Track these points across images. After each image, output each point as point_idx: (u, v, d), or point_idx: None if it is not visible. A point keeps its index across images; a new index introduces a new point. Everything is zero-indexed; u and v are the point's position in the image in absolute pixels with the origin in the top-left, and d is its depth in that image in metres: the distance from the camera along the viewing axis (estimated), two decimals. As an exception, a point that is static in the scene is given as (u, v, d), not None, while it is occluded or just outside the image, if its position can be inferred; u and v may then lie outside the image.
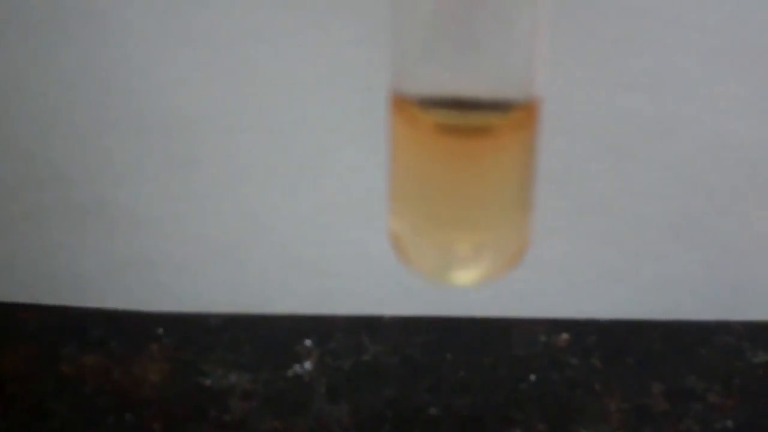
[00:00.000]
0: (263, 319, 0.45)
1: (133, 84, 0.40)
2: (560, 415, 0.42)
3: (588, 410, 0.42)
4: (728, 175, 0.42)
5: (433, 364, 0.43)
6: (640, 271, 0.45)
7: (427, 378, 0.43)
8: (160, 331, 0.45)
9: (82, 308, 0.46)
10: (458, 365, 0.44)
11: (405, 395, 0.42)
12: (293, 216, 0.44)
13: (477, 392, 0.42)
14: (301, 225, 0.44)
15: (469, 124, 0.22)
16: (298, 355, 0.44)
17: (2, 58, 0.40)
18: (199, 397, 0.42)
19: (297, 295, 0.46)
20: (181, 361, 0.44)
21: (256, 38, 0.39)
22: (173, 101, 0.41)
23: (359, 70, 0.39)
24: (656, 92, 0.40)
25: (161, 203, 0.43)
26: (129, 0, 0.38)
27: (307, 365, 0.44)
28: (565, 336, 0.45)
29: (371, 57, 0.38)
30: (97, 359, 0.44)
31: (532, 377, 0.43)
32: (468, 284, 0.23)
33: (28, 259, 0.45)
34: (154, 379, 0.43)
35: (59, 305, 0.46)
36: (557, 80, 0.39)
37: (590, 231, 0.44)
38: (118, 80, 0.40)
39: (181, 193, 0.43)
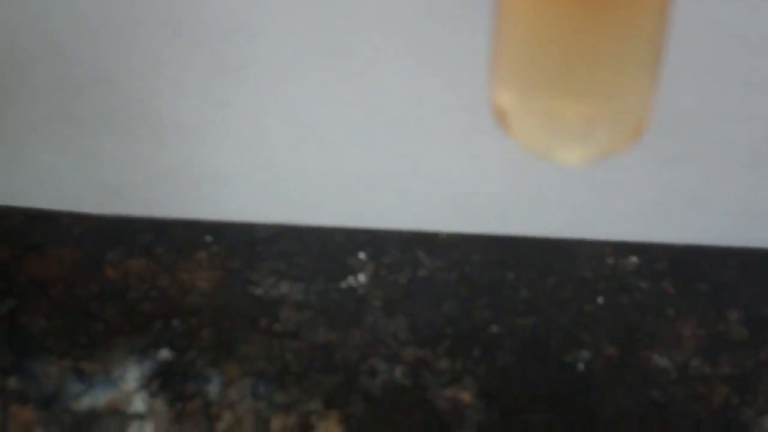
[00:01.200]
0: (314, 231, 0.44)
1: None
2: (630, 338, 0.39)
3: (660, 335, 0.40)
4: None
5: (494, 283, 0.41)
6: (717, 195, 0.43)
7: (487, 296, 0.41)
8: (209, 238, 0.43)
9: (128, 216, 0.44)
10: (520, 285, 0.41)
11: (465, 312, 0.40)
12: (346, 126, 0.42)
13: (541, 312, 0.40)
14: (354, 136, 0.42)
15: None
16: (351, 267, 0.42)
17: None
18: (249, 306, 0.40)
19: (349, 208, 0.44)
20: (230, 269, 0.42)
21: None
22: (220, 6, 0.39)
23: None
24: (741, 2, 0.37)
25: (207, 110, 0.42)
26: None
27: (362, 278, 0.42)
28: (633, 259, 0.43)
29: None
30: (143, 264, 0.42)
31: (599, 299, 0.41)
32: (578, 161, 0.21)
33: (67, 167, 0.44)
34: (203, 287, 0.41)
35: (104, 214, 0.44)
36: None
37: (664, 151, 0.42)
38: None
39: (228, 99, 0.41)
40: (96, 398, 0.39)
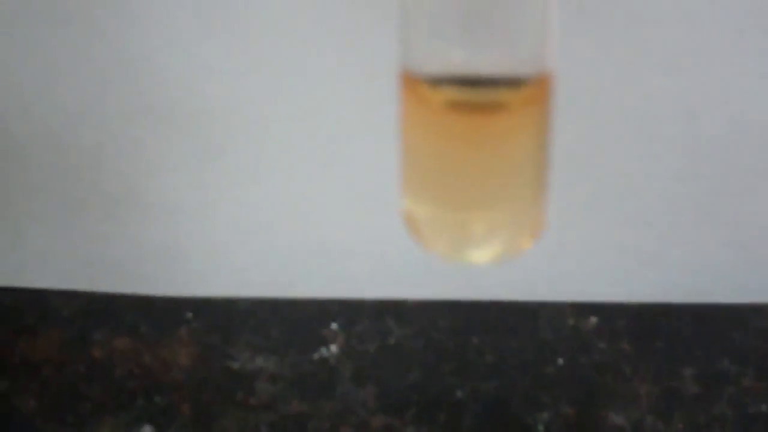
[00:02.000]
0: (290, 303, 0.45)
1: (161, 74, 0.40)
2: (588, 399, 0.41)
3: (617, 394, 0.41)
4: (757, 153, 0.41)
5: (459, 348, 0.43)
6: (670, 253, 0.45)
7: (452, 361, 0.43)
8: (189, 315, 0.45)
9: (114, 294, 0.46)
10: (484, 349, 0.43)
11: (430, 379, 0.42)
12: (319, 201, 0.44)
13: (503, 376, 0.42)
14: (327, 210, 0.44)
15: (480, 100, 0.22)
16: (324, 338, 0.44)
17: (34, 52, 0.40)
18: (226, 380, 0.42)
19: (323, 280, 0.46)
20: (209, 344, 0.44)
21: (281, 26, 0.39)
22: (201, 91, 0.41)
23: (382, 54, 0.39)
24: (682, 72, 0.39)
25: (190, 191, 0.44)
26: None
27: (333, 348, 0.44)
28: (593, 320, 0.44)
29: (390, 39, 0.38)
30: (128, 343, 0.44)
31: (560, 361, 0.43)
32: (484, 263, 0.23)
33: (62, 248, 0.46)
34: (183, 363, 0.43)
35: (92, 291, 0.46)
36: (584, 60, 0.39)
37: (618, 213, 0.44)
38: (147, 70, 0.40)
39: (209, 180, 0.43)
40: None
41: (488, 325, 0.44)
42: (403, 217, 0.24)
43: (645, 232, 0.44)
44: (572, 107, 0.40)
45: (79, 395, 0.42)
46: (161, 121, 0.42)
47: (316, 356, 0.43)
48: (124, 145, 0.42)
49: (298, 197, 0.44)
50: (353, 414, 0.41)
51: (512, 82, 0.22)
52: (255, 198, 0.44)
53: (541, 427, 0.40)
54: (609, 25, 0.38)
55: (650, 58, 0.39)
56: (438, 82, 0.22)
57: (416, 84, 0.22)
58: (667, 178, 0.42)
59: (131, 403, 0.41)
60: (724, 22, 0.37)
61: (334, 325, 0.44)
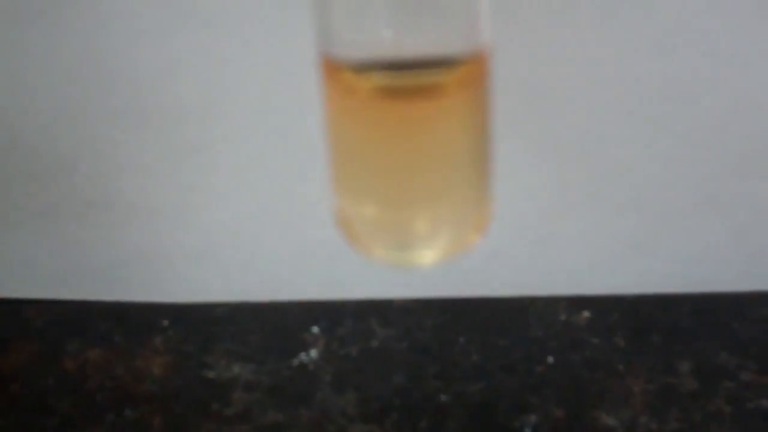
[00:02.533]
0: (271, 307, 0.44)
1: (134, 73, 0.39)
2: (579, 399, 0.39)
3: (609, 393, 0.39)
4: (755, 136, 0.40)
5: (444, 349, 0.41)
6: (666, 241, 0.43)
7: (437, 364, 0.41)
8: (165, 323, 0.44)
9: (88, 302, 0.45)
10: (471, 349, 0.41)
11: (414, 382, 0.40)
12: (299, 201, 0.42)
13: (490, 377, 0.40)
14: (308, 210, 0.43)
15: (410, 84, 0.20)
16: (304, 343, 0.42)
17: (3, 54, 0.39)
18: (201, 391, 0.41)
19: (305, 281, 0.45)
20: (184, 353, 0.42)
21: (255, 18, 0.37)
22: (174, 90, 0.40)
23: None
24: (676, 54, 0.37)
25: (166, 193, 0.42)
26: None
27: (313, 353, 0.42)
28: (586, 314, 0.42)
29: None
30: (101, 354, 0.43)
31: (550, 359, 0.41)
32: (427, 265, 0.21)
33: (37, 255, 0.45)
34: (157, 373, 0.42)
35: (65, 299, 0.45)
36: (572, 45, 0.37)
37: (611, 201, 0.42)
38: (119, 70, 0.39)
39: (186, 181, 0.42)
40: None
41: (476, 324, 0.42)
42: (336, 219, 0.22)
43: (639, 220, 0.42)
44: (564, 94, 0.38)
45: (47, 409, 0.41)
46: (135, 121, 0.40)
47: (295, 362, 0.42)
48: (98, 147, 0.41)
49: (278, 196, 0.42)
50: (332, 422, 0.39)
51: (445, 63, 0.20)
52: (234, 198, 0.43)
53: (528, 431, 0.38)
54: (601, 9, 0.36)
55: (643, 41, 0.37)
56: (364, 68, 0.20)
57: (340, 71, 0.20)
58: (661, 164, 0.41)
59: (101, 417, 0.40)
60: (718, 2, 0.35)
61: (315, 329, 0.43)
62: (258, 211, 0.43)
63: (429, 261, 0.21)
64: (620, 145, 0.40)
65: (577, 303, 0.43)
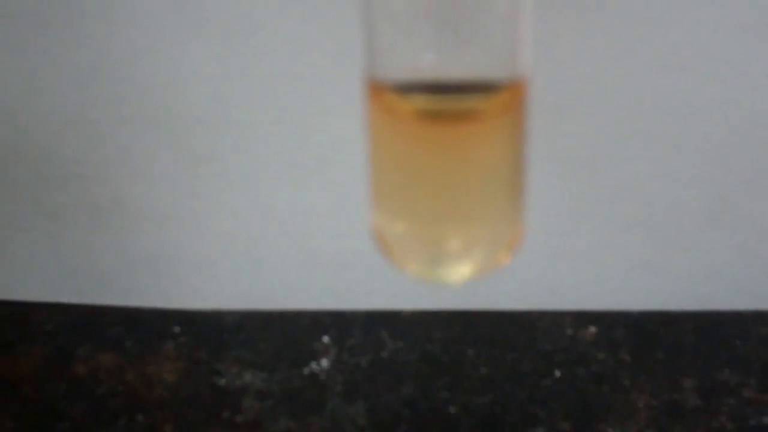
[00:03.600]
0: (281, 316, 0.44)
1: (146, 80, 0.39)
2: (585, 412, 0.40)
3: (615, 407, 0.40)
4: (762, 157, 0.40)
5: (454, 361, 0.42)
6: (672, 259, 0.43)
7: (446, 375, 0.42)
8: (177, 329, 0.44)
9: (99, 306, 0.45)
10: (479, 361, 0.42)
11: (423, 393, 0.41)
12: (310, 210, 0.43)
13: (498, 390, 0.41)
14: (318, 219, 0.43)
15: (450, 108, 0.20)
16: (315, 352, 0.43)
17: (16, 58, 0.39)
18: (212, 398, 0.41)
19: (315, 291, 0.45)
20: (196, 360, 0.43)
21: (269, 28, 0.38)
22: (187, 96, 0.40)
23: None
24: (685, 72, 0.38)
25: (177, 199, 0.43)
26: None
27: (324, 363, 0.42)
28: (592, 329, 0.43)
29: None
30: (112, 359, 0.43)
31: (557, 373, 0.41)
32: (459, 282, 0.22)
33: (46, 259, 0.45)
34: (168, 379, 0.42)
35: (76, 304, 0.45)
36: (582, 61, 0.37)
37: (618, 218, 0.43)
38: (132, 76, 0.39)
39: (197, 189, 0.43)
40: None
41: (484, 337, 0.43)
42: (373, 235, 0.23)
43: (646, 238, 0.43)
44: (572, 110, 0.39)
45: (59, 414, 0.41)
46: (147, 127, 0.41)
47: (306, 371, 0.42)
48: (110, 152, 0.42)
49: (289, 205, 0.43)
50: (342, 431, 0.39)
51: (485, 88, 0.21)
52: (245, 206, 0.43)
53: (536, 443, 0.39)
54: (610, 25, 0.37)
55: (652, 59, 0.38)
56: (406, 90, 0.21)
57: (383, 92, 0.21)
58: (669, 182, 0.41)
59: (112, 422, 0.40)
60: (727, 20, 0.36)
61: (325, 338, 0.43)
62: (268, 221, 0.44)
63: (460, 278, 0.22)
64: (629, 163, 0.41)
65: (584, 318, 0.43)
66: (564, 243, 0.43)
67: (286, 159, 0.42)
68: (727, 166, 0.41)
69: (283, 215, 0.43)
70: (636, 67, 0.38)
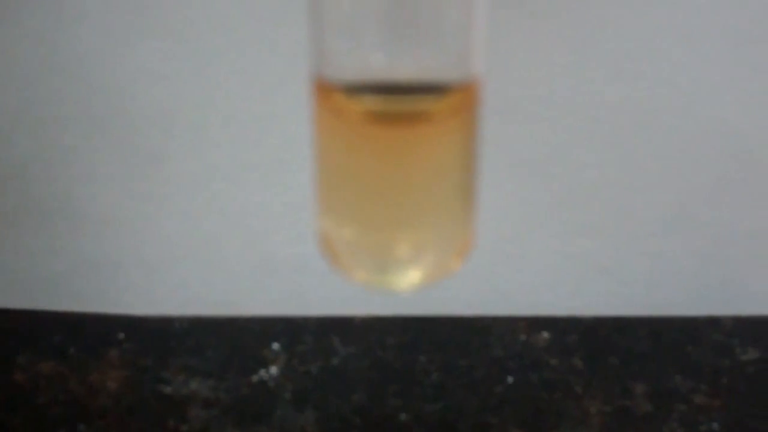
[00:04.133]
0: (230, 322, 0.43)
1: (96, 79, 0.39)
2: (537, 419, 0.40)
3: (567, 413, 0.40)
4: (719, 165, 0.40)
5: (406, 368, 0.41)
6: (626, 265, 0.43)
7: (398, 382, 0.41)
8: (121, 335, 0.43)
9: (41, 312, 0.44)
10: (432, 368, 0.41)
11: (374, 401, 0.40)
12: (261, 214, 0.42)
13: (450, 396, 0.40)
14: (270, 223, 0.42)
15: (400, 110, 0.20)
16: (264, 359, 0.42)
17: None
18: (157, 406, 0.40)
19: (267, 296, 0.44)
20: (141, 367, 0.42)
21: (223, 29, 0.37)
22: (138, 97, 0.39)
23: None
24: (643, 79, 0.38)
25: (124, 202, 0.42)
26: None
27: (273, 370, 0.42)
28: (545, 335, 0.43)
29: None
30: (54, 367, 0.42)
31: (510, 379, 0.41)
32: (408, 289, 0.21)
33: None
34: (112, 388, 0.41)
35: (16, 309, 0.44)
36: (538, 67, 0.37)
37: (573, 224, 0.42)
38: (81, 75, 0.38)
39: (145, 191, 0.42)
40: None
41: (437, 343, 0.42)
42: (319, 241, 0.22)
43: (600, 243, 0.43)
44: (528, 114, 0.39)
45: (-1, 424, 0.40)
46: (95, 128, 0.40)
47: (254, 379, 0.41)
48: (55, 153, 0.41)
49: (240, 209, 0.42)
50: (291, 440, 0.39)
51: (436, 90, 0.20)
52: (194, 210, 0.42)
53: (488, 451, 0.38)
54: (563, 32, 0.37)
55: (609, 64, 0.38)
56: (355, 91, 0.20)
57: (331, 93, 0.20)
58: (623, 188, 0.41)
59: (54, 432, 0.39)
60: (684, 27, 0.36)
61: (275, 345, 0.42)
62: (218, 225, 0.43)
63: (409, 285, 0.21)
64: (584, 168, 0.41)
65: (537, 324, 0.43)
66: (518, 248, 0.43)
67: (238, 162, 0.41)
68: (682, 173, 0.41)
69: (233, 219, 0.43)
70: (593, 72, 0.38)
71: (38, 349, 0.42)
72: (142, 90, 0.39)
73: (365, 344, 0.42)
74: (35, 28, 0.37)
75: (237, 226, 0.43)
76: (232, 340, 0.43)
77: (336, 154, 0.21)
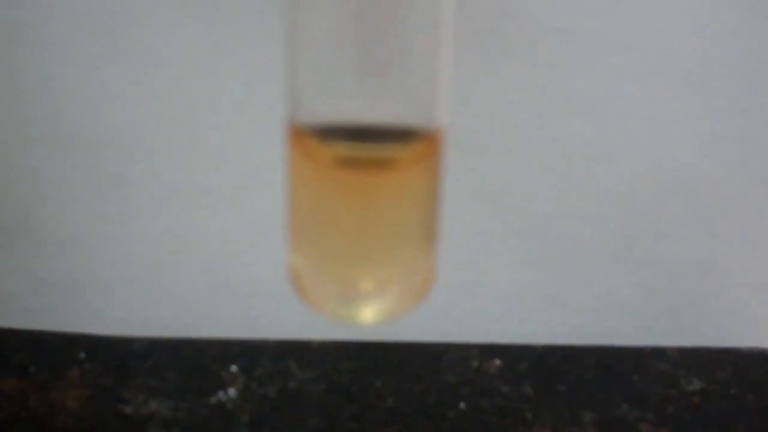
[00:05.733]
0: (189, 343, 0.44)
1: (57, 101, 0.39)
2: (489, 444, 0.41)
3: (517, 440, 0.41)
4: (665, 199, 0.42)
5: (361, 392, 0.42)
6: (576, 295, 0.45)
7: (354, 406, 0.42)
8: (82, 355, 0.43)
9: (2, 329, 0.44)
10: (387, 393, 0.42)
11: (330, 425, 0.41)
12: (220, 237, 0.43)
13: (404, 421, 0.41)
14: (229, 247, 0.43)
15: (369, 156, 0.21)
16: (222, 381, 0.43)
17: None
18: (117, 426, 0.41)
19: (224, 319, 0.45)
20: (101, 386, 0.42)
21: (183, 56, 0.38)
22: (99, 119, 0.40)
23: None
24: (593, 115, 0.40)
25: (86, 223, 0.42)
26: (52, 14, 0.37)
27: (231, 392, 0.42)
28: (497, 362, 0.44)
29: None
30: (15, 384, 0.42)
31: (462, 405, 0.42)
32: (371, 322, 0.22)
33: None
34: (73, 407, 0.41)
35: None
36: (495, 102, 0.39)
37: (526, 254, 0.44)
38: (42, 97, 0.39)
39: (106, 212, 0.42)
40: None
41: (392, 368, 0.43)
42: (289, 274, 0.23)
43: (551, 273, 0.44)
44: (483, 147, 0.40)
45: (-42, 442, 0.40)
46: (58, 149, 0.40)
47: (213, 400, 0.42)
48: (17, 173, 0.41)
49: (199, 232, 0.43)
50: (249, 461, 0.39)
51: (403, 136, 0.21)
52: (155, 232, 0.43)
53: (441, 475, 0.39)
54: (518, 67, 0.38)
55: (561, 101, 0.39)
56: (327, 134, 0.21)
57: (304, 137, 0.21)
58: (574, 220, 0.43)
59: (14, 450, 0.39)
60: (636, 67, 0.38)
61: (233, 368, 0.43)
62: (178, 247, 0.43)
63: (373, 318, 0.23)
64: (537, 199, 0.42)
65: (489, 351, 0.44)
66: (471, 276, 0.44)
67: (198, 186, 0.42)
68: (630, 207, 0.42)
69: (193, 242, 0.43)
70: (545, 108, 0.39)
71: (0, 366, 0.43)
72: (104, 113, 0.40)
73: (321, 368, 0.43)
74: (-1, 51, 0.37)
75: (196, 249, 0.43)
76: (191, 362, 0.43)
77: (306, 194, 0.22)
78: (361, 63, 0.20)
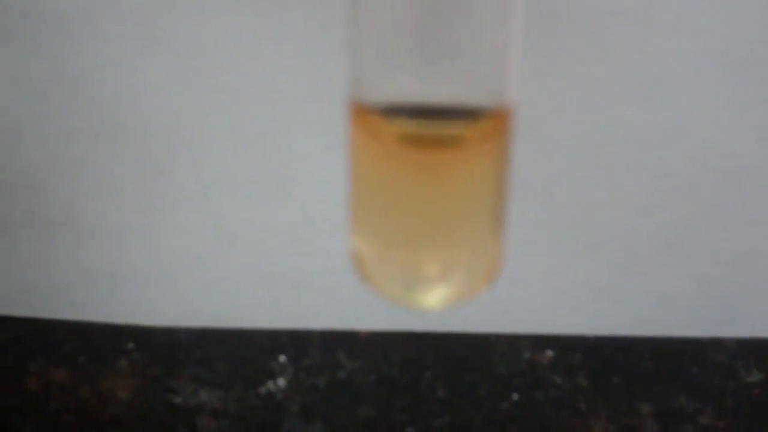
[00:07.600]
0: (236, 334, 0.44)
1: (102, 93, 0.39)
2: (543, 436, 0.40)
3: (572, 431, 0.40)
4: (720, 186, 0.41)
5: (412, 383, 0.42)
6: (630, 285, 0.44)
7: (404, 397, 0.41)
8: (131, 345, 0.43)
9: (52, 321, 0.44)
10: (437, 383, 0.42)
11: (381, 415, 0.41)
12: (267, 227, 0.43)
13: (456, 412, 0.41)
14: (275, 237, 0.43)
15: (434, 134, 0.20)
16: (271, 371, 0.42)
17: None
18: (167, 416, 0.41)
19: (271, 309, 0.45)
20: (150, 377, 0.42)
21: (228, 45, 0.38)
22: (143, 110, 0.40)
23: (336, 77, 0.38)
24: (647, 102, 0.39)
25: (132, 214, 0.42)
26: (98, 6, 0.37)
27: (281, 382, 0.42)
28: (549, 353, 0.43)
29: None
30: (65, 374, 0.42)
31: (515, 396, 0.42)
32: (435, 307, 0.22)
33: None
34: (122, 396, 0.41)
35: (28, 318, 0.44)
36: (545, 89, 0.38)
37: (577, 244, 0.43)
38: (88, 89, 0.39)
39: (153, 204, 0.42)
40: None
41: (442, 359, 0.43)
42: (351, 257, 0.22)
43: (604, 263, 0.43)
44: (532, 136, 0.39)
45: (10, 430, 0.40)
46: (102, 141, 0.40)
47: (262, 390, 0.42)
48: (63, 165, 0.41)
49: (246, 222, 0.43)
50: (300, 452, 0.39)
51: (470, 115, 0.21)
52: (201, 223, 0.43)
53: (495, 467, 0.39)
54: (572, 54, 0.37)
55: (612, 88, 0.38)
56: (391, 113, 0.20)
57: (368, 115, 0.21)
58: (627, 209, 0.42)
59: (65, 439, 0.39)
60: (688, 52, 0.37)
61: (282, 358, 0.43)
62: (225, 237, 0.43)
63: (437, 303, 0.22)
64: (588, 189, 0.42)
65: (541, 342, 0.44)
66: (523, 267, 0.43)
67: (244, 176, 0.42)
68: (684, 195, 0.41)
69: (240, 232, 0.43)
70: (597, 96, 0.39)
71: (49, 357, 0.43)
72: (147, 104, 0.39)
73: (370, 359, 0.43)
74: (44, 43, 0.37)
75: (243, 239, 0.43)
76: (239, 352, 0.43)
77: (369, 174, 0.21)
78: (426, 42, 0.20)
